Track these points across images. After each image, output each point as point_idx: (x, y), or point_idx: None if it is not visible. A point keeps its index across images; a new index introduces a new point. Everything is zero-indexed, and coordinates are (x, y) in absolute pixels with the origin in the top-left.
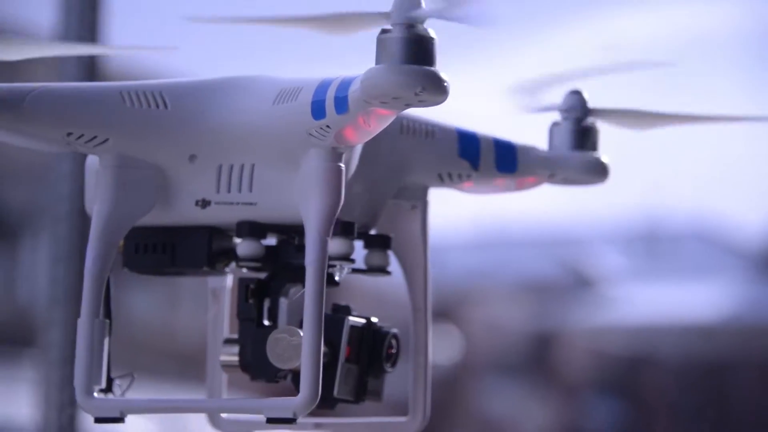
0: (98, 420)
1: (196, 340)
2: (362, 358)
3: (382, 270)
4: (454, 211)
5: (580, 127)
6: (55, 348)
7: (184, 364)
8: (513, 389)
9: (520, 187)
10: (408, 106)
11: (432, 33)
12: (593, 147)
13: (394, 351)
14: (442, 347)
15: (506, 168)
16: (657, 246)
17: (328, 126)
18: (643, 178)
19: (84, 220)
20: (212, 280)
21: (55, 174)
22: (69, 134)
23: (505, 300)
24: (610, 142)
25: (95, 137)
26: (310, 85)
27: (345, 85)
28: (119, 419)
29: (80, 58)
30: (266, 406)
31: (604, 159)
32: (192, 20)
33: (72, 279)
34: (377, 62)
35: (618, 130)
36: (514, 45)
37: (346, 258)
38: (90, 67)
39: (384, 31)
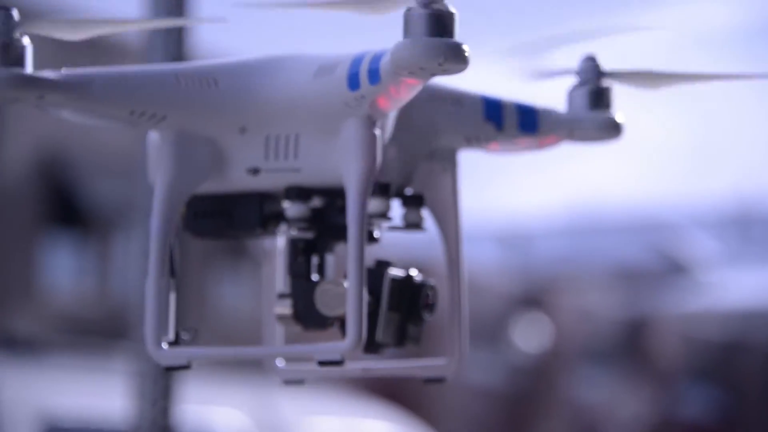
0: (168, 368)
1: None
2: (402, 307)
3: (418, 226)
4: (544, 198)
5: (595, 88)
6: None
7: None
8: (605, 377)
9: (542, 145)
10: (433, 75)
11: (452, 8)
12: (608, 107)
13: (431, 301)
14: (532, 335)
15: (528, 129)
16: (751, 230)
17: (363, 96)
18: (737, 161)
19: None
20: (265, 241)
21: (145, 167)
22: (132, 112)
23: (597, 286)
24: (704, 126)
25: (155, 115)
26: (345, 59)
27: (377, 58)
28: (186, 367)
29: (168, 41)
30: (317, 350)
31: (618, 118)
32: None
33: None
34: (404, 37)
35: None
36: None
37: (384, 216)
38: (178, 50)
39: (409, 9)
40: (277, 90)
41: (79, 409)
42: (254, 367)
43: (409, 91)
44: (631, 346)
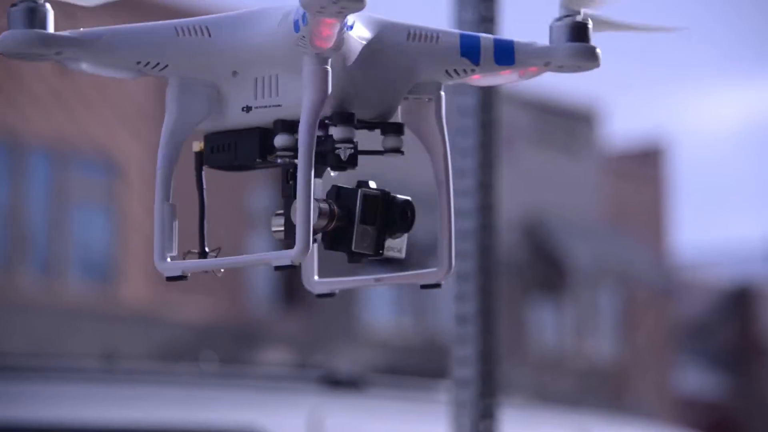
0: (168, 279)
1: (606, 360)
2: (378, 221)
3: (396, 150)
4: None
5: (573, 22)
6: (468, 365)
7: (593, 385)
8: None
9: (522, 76)
10: (340, 13)
11: None
12: (585, 39)
13: (409, 216)
14: None
15: (504, 61)
16: None
17: (303, 36)
18: None
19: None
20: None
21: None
22: (138, 62)
23: None
24: None
25: (158, 64)
26: (293, 7)
27: None
28: (183, 277)
29: None
30: (273, 257)
31: (594, 46)
32: None
33: (479, 296)
34: None
35: None
36: None
37: (348, 141)
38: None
39: None
40: (257, 38)
41: None
42: (569, 395)
43: (330, 29)
44: None
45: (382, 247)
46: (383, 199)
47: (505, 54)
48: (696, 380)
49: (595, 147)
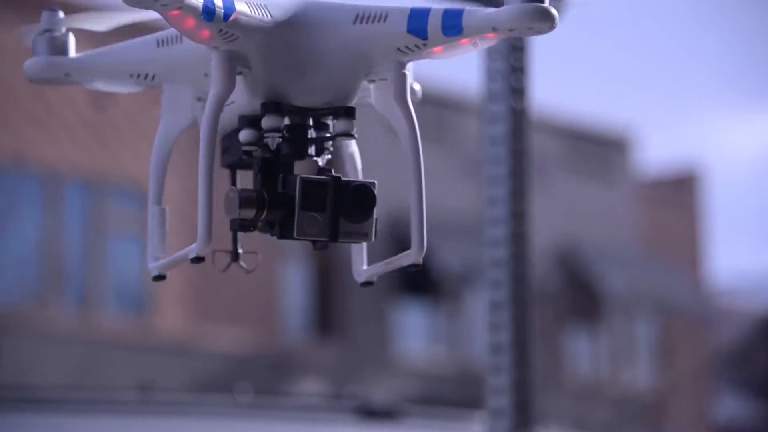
0: (153, 278)
1: (643, 389)
2: (328, 207)
3: (346, 134)
4: None
5: None
6: (502, 395)
7: (630, 414)
8: None
9: (476, 45)
10: (164, 6)
11: None
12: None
13: (366, 199)
14: None
15: (452, 32)
16: None
17: None
18: None
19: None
20: None
21: (490, 239)
22: (131, 75)
23: None
24: None
25: (147, 75)
26: None
27: None
28: (162, 276)
29: (513, 114)
30: (188, 251)
31: (545, 6)
32: None
33: (513, 325)
34: None
35: None
36: None
37: (276, 130)
38: (519, 120)
39: None
40: None
41: None
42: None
43: (180, 23)
44: None
45: (337, 233)
46: (334, 184)
47: (453, 24)
48: (733, 408)
49: (629, 174)
